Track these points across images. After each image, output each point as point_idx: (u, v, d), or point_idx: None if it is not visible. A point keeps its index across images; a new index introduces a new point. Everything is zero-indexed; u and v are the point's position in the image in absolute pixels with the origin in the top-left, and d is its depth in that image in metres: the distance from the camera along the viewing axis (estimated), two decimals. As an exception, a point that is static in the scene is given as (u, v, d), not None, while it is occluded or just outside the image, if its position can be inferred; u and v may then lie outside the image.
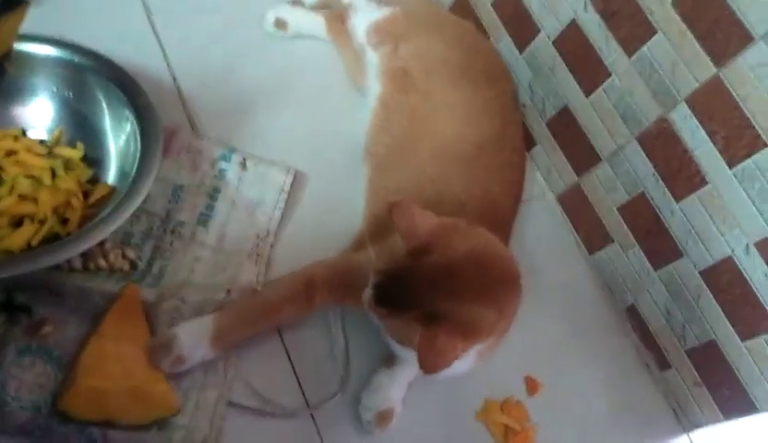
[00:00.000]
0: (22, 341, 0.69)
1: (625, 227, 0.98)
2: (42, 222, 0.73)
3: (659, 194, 0.91)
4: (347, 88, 1.04)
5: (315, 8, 1.08)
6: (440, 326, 0.64)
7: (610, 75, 0.93)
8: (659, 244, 0.94)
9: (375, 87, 0.99)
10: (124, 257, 0.76)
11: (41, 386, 0.68)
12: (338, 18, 1.07)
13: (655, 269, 0.95)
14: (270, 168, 0.89)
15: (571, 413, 0.91)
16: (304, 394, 0.78)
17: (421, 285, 0.67)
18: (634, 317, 1.01)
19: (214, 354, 0.73)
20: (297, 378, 0.79)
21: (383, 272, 0.69)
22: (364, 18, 1.04)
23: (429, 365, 0.63)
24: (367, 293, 0.71)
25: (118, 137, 0.78)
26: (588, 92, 0.97)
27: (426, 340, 0.63)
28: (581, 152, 1.02)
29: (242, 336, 0.76)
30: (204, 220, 0.83)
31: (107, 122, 0.78)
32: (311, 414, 0.78)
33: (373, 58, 1.00)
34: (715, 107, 0.82)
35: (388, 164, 0.92)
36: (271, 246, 0.85)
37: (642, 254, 0.96)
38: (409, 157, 0.91)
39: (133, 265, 0.77)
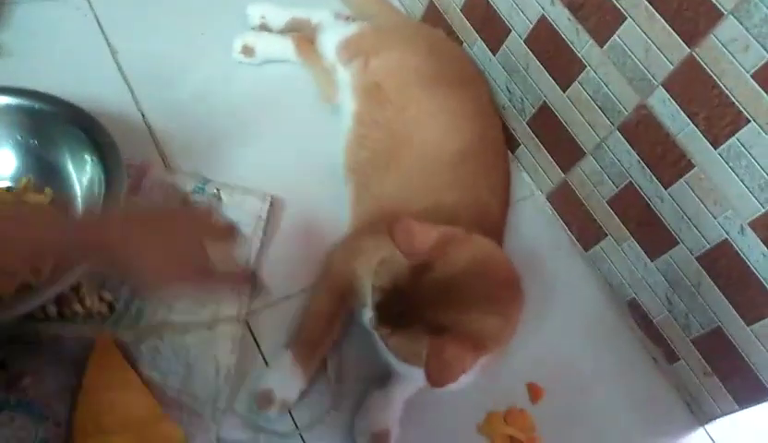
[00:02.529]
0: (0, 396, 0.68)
1: (617, 220, 0.96)
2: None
3: (647, 182, 0.89)
4: (319, 108, 1.03)
5: (281, 32, 1.08)
6: (448, 337, 0.63)
7: (585, 67, 0.91)
8: (653, 233, 0.91)
9: (349, 104, 0.97)
10: (101, 300, 0.75)
11: (21, 440, 0.66)
12: (306, 39, 1.06)
13: (652, 260, 0.93)
14: (246, 196, 0.88)
15: (579, 416, 0.87)
16: (292, 416, 0.76)
17: (425, 300, 0.66)
18: (636, 310, 0.98)
19: (308, 383, 0.76)
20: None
21: (384, 291, 0.68)
22: (333, 36, 1.03)
23: (437, 378, 0.62)
24: (367, 313, 0.70)
25: (82, 179, 0.77)
26: (564, 87, 0.96)
27: (435, 352, 0.62)
28: (564, 148, 1.00)
29: (320, 354, 0.78)
30: (182, 254, 0.81)
31: (70, 165, 0.77)
32: (300, 436, 0.75)
33: (345, 75, 0.99)
34: (693, 88, 0.80)
35: (372, 179, 0.90)
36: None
37: (637, 245, 0.94)
38: (393, 169, 0.89)
39: (110, 307, 0.75)
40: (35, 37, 0.95)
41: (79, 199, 0.76)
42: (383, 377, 0.78)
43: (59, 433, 0.68)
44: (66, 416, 0.68)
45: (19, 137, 0.78)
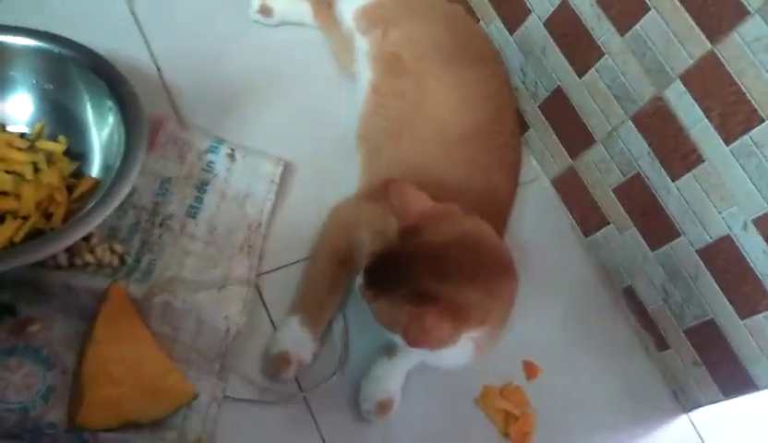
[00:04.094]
0: (8, 341, 0.67)
1: (621, 208, 0.97)
2: (25, 218, 0.71)
3: (655, 173, 0.90)
4: (335, 74, 1.02)
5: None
6: (428, 305, 0.64)
7: (603, 54, 0.92)
8: (655, 224, 0.93)
9: (365, 72, 0.97)
10: (112, 251, 0.74)
11: (28, 387, 0.66)
12: (325, 4, 1.05)
13: (652, 250, 0.94)
14: (260, 159, 0.87)
15: (571, 396, 0.90)
16: (297, 379, 0.77)
17: (410, 264, 0.67)
18: (631, 298, 1.00)
19: (319, 344, 0.78)
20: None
21: (374, 255, 0.69)
22: (351, 4, 1.02)
23: (413, 339, 0.64)
24: (359, 279, 0.71)
25: (101, 129, 0.75)
26: (581, 73, 0.96)
27: (413, 317, 0.64)
28: (574, 134, 1.00)
29: (327, 315, 0.80)
30: (193, 212, 0.81)
31: (90, 114, 0.76)
32: (304, 398, 0.77)
33: (362, 44, 0.99)
34: (710, 84, 0.80)
35: (383, 147, 0.91)
36: (263, 238, 0.83)
37: (639, 234, 0.95)
38: (405, 140, 0.90)
39: (121, 259, 0.75)
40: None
41: (97, 149, 0.75)
42: (389, 346, 0.79)
43: (66, 381, 0.68)
44: (74, 365, 0.68)
45: (35, 81, 0.76)
